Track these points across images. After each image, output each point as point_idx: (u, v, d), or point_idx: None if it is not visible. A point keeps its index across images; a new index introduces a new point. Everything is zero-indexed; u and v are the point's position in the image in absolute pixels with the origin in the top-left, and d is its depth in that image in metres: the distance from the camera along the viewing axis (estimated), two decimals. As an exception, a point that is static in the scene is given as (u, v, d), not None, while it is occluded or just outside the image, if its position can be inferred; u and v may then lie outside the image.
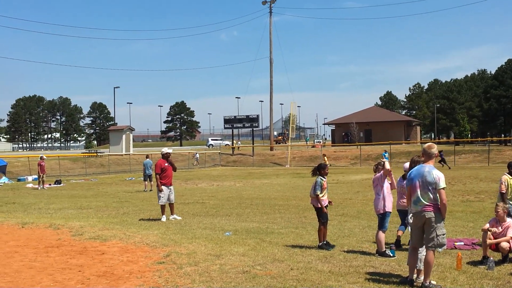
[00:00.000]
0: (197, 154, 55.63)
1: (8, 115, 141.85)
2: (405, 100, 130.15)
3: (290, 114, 71.11)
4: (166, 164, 15.09)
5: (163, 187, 14.90)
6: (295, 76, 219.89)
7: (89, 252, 10.23)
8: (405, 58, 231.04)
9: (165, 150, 15.51)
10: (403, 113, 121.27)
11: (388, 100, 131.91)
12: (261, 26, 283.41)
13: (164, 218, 14.65)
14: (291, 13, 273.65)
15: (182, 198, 22.27)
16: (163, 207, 14.95)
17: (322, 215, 10.35)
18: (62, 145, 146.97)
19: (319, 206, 10.35)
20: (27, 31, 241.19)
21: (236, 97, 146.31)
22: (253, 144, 67.11)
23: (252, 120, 64.13)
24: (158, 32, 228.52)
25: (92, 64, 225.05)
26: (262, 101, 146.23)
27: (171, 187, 15.20)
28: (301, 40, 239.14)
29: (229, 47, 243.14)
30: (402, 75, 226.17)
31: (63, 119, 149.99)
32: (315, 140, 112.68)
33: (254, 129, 68.14)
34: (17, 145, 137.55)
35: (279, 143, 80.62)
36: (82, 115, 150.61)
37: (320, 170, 10.55)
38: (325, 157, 44.68)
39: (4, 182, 35.25)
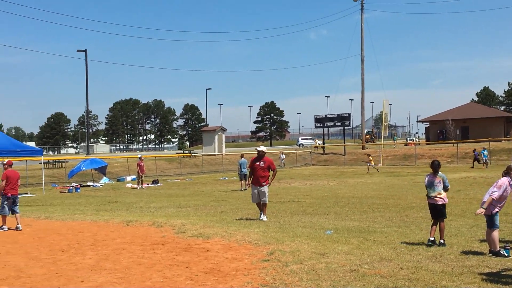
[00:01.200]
0: (283, 155, 55.48)
1: (106, 118, 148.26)
2: (504, 95, 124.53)
3: (382, 112, 69.57)
4: (257, 163, 14.80)
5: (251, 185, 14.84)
6: (386, 73, 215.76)
7: (194, 249, 10.37)
8: (502, 52, 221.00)
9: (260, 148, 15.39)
10: (502, 108, 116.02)
11: (485, 96, 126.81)
12: (351, 23, 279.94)
13: (264, 217, 14.54)
14: (382, 9, 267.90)
15: (277, 197, 22.28)
16: (258, 205, 14.84)
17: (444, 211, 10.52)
18: (156, 146, 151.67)
19: (446, 201, 10.63)
20: (123, 35, 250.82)
21: (325, 96, 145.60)
22: (344, 143, 66.26)
23: (343, 119, 63.31)
24: (247, 33, 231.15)
25: (184, 66, 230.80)
26: (352, 100, 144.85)
27: (260, 188, 14.83)
28: (393, 36, 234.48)
29: (318, 46, 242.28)
30: (500, 70, 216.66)
31: (157, 121, 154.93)
32: (408, 138, 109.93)
33: (346, 127, 67.29)
34: (114, 147, 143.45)
35: (367, 142, 79.19)
36: (175, 117, 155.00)
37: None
38: (370, 157, 43.05)
39: (105, 182, 36.73)
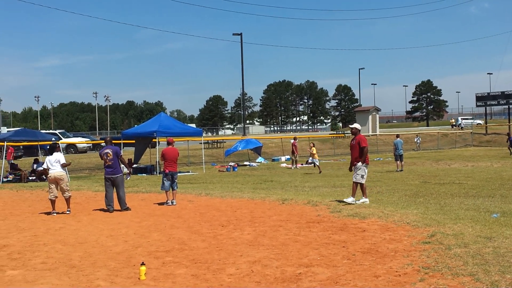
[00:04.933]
0: (418, 137, 52.77)
1: (260, 100, 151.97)
2: None
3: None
4: (352, 142, 14.10)
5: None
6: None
7: (350, 229, 10.20)
8: None
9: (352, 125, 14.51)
10: None
11: None
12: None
13: (361, 200, 13.73)
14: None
15: (436, 178, 21.35)
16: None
17: None
18: (309, 127, 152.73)
19: None
20: (276, 17, 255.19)
21: (487, 73, 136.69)
22: (509, 122, 61.85)
23: (508, 97, 59.06)
24: (402, 9, 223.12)
25: (336, 46, 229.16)
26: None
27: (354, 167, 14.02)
28: None
29: (479, 20, 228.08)
30: None
31: (310, 102, 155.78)
32: None
33: (511, 106, 62.75)
34: (268, 128, 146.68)
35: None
36: (327, 98, 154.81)
37: None
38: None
39: (261, 162, 37.64)
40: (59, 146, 14.51)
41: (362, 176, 13.59)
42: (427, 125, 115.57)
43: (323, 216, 11.85)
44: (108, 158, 14.09)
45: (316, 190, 17.74)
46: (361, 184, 13.66)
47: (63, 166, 13.88)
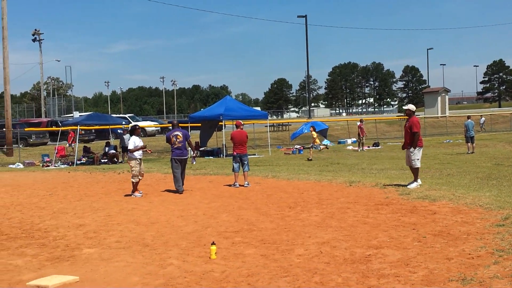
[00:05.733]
0: (483, 118, 50.80)
1: (325, 82, 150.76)
2: None
3: None
4: (406, 124, 13.68)
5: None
6: None
7: (420, 211, 10.03)
8: None
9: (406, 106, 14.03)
10: None
11: None
12: None
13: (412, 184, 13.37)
14: None
15: (509, 160, 20.67)
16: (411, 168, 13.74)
17: None
18: (375, 109, 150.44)
19: None
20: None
21: None
22: None
23: None
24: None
25: (403, 27, 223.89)
26: None
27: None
28: None
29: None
30: None
31: (376, 84, 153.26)
32: None
33: None
34: (334, 111, 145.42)
35: None
36: (394, 79, 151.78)
37: None
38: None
39: (326, 145, 37.42)
40: (138, 128, 14.68)
41: (418, 160, 13.39)
42: (499, 106, 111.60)
43: (392, 198, 11.70)
44: (178, 140, 14.37)
45: (384, 173, 17.51)
46: (416, 168, 13.40)
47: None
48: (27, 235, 9.33)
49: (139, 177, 13.99)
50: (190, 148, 15.52)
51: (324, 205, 11.25)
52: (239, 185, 14.90)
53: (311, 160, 24.52)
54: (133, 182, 13.93)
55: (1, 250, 8.20)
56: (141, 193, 13.94)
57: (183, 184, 14.43)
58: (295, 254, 7.33)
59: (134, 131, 14.30)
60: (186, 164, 14.76)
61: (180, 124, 16.33)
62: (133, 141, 13.89)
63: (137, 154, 13.99)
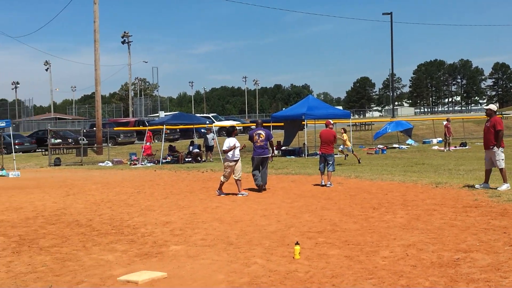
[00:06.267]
0: None
1: (410, 80, 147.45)
2: None
3: None
4: (487, 124, 12.99)
5: None
6: None
7: (511, 214, 9.62)
8: None
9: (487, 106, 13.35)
10: None
11: None
12: None
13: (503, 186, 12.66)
14: None
15: None
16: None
17: None
18: (463, 108, 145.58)
19: None
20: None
21: None
22: None
23: None
24: None
25: (494, 22, 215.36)
26: None
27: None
28: None
29: None
30: None
31: (464, 82, 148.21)
32: None
33: None
34: (418, 110, 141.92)
35: None
36: (483, 77, 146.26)
37: None
38: None
39: (411, 144, 36.61)
40: (236, 130, 14.62)
41: (503, 160, 12.89)
42: None
43: (481, 200, 11.29)
44: (260, 138, 14.52)
45: (472, 174, 16.89)
46: (501, 169, 12.84)
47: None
48: (117, 231, 9.69)
49: (236, 177, 13.90)
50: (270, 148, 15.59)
51: (409, 207, 11.01)
52: (324, 184, 14.86)
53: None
54: (221, 180, 14.04)
55: (93, 245, 8.56)
56: (225, 194, 13.95)
57: (265, 184, 14.56)
58: (380, 256, 7.22)
59: (231, 133, 14.19)
60: (267, 162, 14.86)
61: (263, 124, 16.45)
62: (228, 142, 13.80)
63: (232, 155, 13.87)
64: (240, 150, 14.14)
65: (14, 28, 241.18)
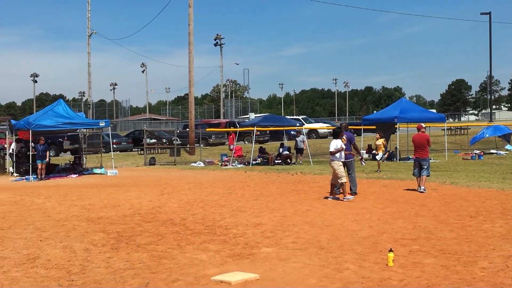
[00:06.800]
0: None
1: (509, 83, 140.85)
2: None
3: None
4: None
5: None
6: None
7: None
8: None
9: None
10: None
11: None
12: None
13: None
14: None
15: None
16: None
17: None
18: None
19: None
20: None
21: None
22: None
23: None
24: None
25: None
26: None
27: None
28: None
29: None
30: None
31: None
32: None
33: None
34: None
35: None
36: None
37: None
38: None
39: (510, 150, 34.95)
40: (342, 132, 14.34)
41: None
42: None
43: None
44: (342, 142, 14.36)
45: None
46: None
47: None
48: (210, 231, 9.89)
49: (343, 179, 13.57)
50: (356, 151, 15.32)
51: (509, 216, 10.53)
52: (421, 190, 14.51)
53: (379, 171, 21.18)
54: (342, 184, 13.55)
55: (187, 244, 8.78)
56: (333, 197, 13.68)
57: (355, 184, 14.48)
58: (478, 267, 6.95)
59: (338, 134, 13.99)
60: (352, 166, 14.64)
61: (353, 126, 16.25)
62: (335, 143, 13.60)
63: (340, 156, 13.61)
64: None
65: (112, 31, 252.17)
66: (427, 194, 14.03)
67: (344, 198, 13.47)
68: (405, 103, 30.17)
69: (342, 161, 13.73)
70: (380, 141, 23.27)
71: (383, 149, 23.27)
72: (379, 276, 6.63)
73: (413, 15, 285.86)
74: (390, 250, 7.26)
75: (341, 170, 13.54)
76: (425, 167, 14.71)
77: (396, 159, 27.67)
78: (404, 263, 7.25)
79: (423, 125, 15.82)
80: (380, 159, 22.88)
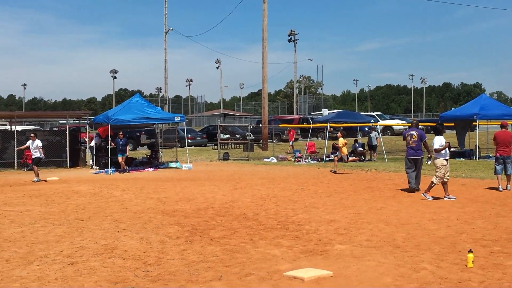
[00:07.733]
0: None
1: None
2: None
3: None
4: None
5: None
6: None
7: None
8: None
9: None
10: None
11: None
12: None
13: None
14: None
15: None
16: None
17: None
18: None
19: None
20: None
21: None
22: None
23: None
24: None
25: None
26: None
27: None
28: None
29: None
30: None
31: None
32: None
33: None
34: None
35: None
36: None
37: None
38: None
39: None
40: (443, 129, 13.74)
41: None
42: None
43: None
44: (412, 139, 14.23)
45: None
46: None
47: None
48: (282, 226, 9.86)
49: (444, 179, 13.04)
50: (425, 149, 14.87)
51: None
52: (502, 188, 13.99)
53: (335, 172, 20.04)
54: (432, 182, 13.06)
55: (259, 239, 8.78)
56: (432, 197, 13.04)
57: (419, 184, 14.33)
58: None
59: (440, 130, 13.36)
60: (420, 164, 14.49)
61: (422, 124, 15.80)
62: (439, 140, 12.99)
63: (445, 153, 13.06)
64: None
65: (188, 28, 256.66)
66: (509, 194, 13.47)
67: (424, 194, 13.10)
68: (485, 100, 29.02)
69: (447, 159, 13.14)
70: (342, 141, 21.23)
71: (344, 150, 21.42)
72: (458, 277, 6.40)
73: (495, 9, 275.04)
74: (470, 251, 6.99)
75: (441, 170, 12.90)
76: (509, 165, 14.15)
77: (476, 157, 26.73)
78: (485, 264, 6.96)
79: (507, 121, 15.25)
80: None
